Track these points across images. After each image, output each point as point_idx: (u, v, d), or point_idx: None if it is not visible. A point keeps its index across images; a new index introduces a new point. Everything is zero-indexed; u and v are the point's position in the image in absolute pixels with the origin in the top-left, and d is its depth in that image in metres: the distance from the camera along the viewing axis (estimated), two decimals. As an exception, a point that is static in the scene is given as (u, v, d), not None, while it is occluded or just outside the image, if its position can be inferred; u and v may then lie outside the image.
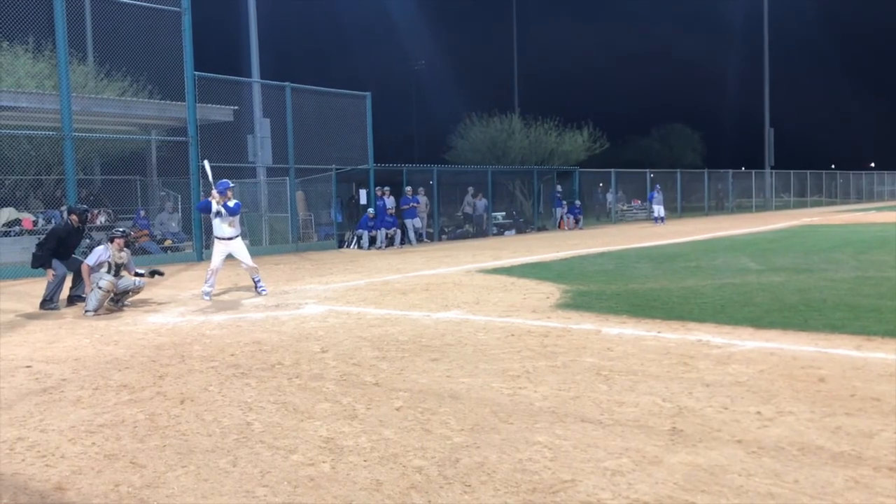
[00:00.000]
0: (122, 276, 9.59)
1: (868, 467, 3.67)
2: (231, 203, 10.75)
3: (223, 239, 10.76)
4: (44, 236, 10.66)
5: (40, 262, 10.02)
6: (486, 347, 6.72)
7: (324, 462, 3.94)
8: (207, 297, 10.52)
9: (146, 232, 17.91)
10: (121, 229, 10.01)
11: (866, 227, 23.83)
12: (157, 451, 4.18)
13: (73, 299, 10.23)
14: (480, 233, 25.99)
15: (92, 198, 18.86)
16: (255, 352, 6.81)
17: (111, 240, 9.65)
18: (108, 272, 9.44)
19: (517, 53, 51.42)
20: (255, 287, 10.92)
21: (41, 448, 4.30)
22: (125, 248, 9.75)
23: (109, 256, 9.49)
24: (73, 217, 10.43)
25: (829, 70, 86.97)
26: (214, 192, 10.77)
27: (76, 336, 7.93)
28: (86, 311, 9.35)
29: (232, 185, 11.07)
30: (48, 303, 10.05)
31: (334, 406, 4.98)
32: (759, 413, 4.56)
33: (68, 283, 10.31)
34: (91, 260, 9.48)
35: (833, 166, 58.30)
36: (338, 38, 64.55)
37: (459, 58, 61.55)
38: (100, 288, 9.35)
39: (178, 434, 4.48)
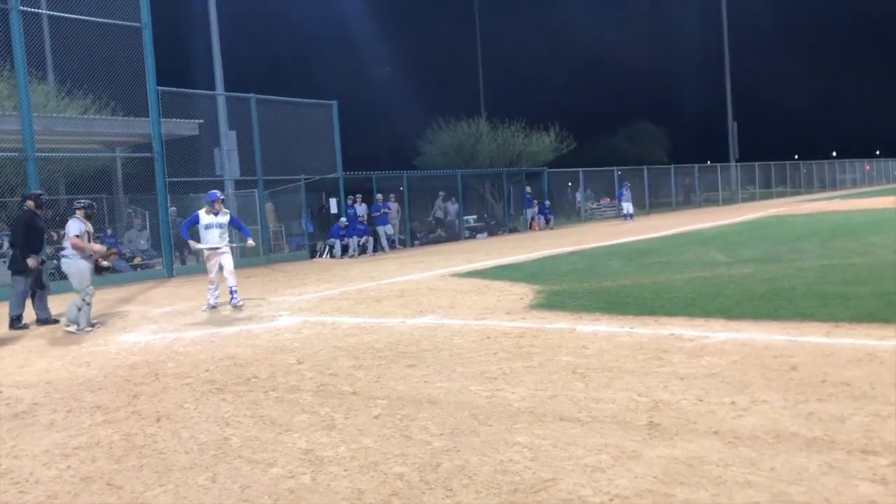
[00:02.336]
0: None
1: (841, 451, 3.74)
2: (223, 214, 11.01)
3: (215, 249, 10.87)
4: (9, 233, 10.69)
5: (16, 261, 9.96)
6: (463, 351, 6.74)
7: (304, 474, 3.93)
8: (207, 309, 10.79)
9: (115, 251, 17.67)
10: (82, 201, 9.92)
11: (831, 215, 24.24)
12: (134, 472, 4.13)
13: (41, 322, 10.08)
14: (453, 237, 26.03)
15: (58, 218, 18.58)
16: (230, 366, 6.76)
17: (75, 211, 9.69)
18: (89, 241, 9.59)
19: (481, 57, 51.64)
20: (231, 297, 10.86)
21: (14, 474, 4.23)
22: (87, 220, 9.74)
23: (85, 226, 9.52)
24: (30, 202, 10.38)
25: (789, 63, 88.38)
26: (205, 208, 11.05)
27: (47, 358, 7.80)
28: (81, 329, 9.31)
29: (221, 195, 11.20)
30: (16, 321, 9.91)
31: (312, 417, 4.96)
32: (733, 403, 4.62)
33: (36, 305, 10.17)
34: (74, 232, 9.39)
35: (796, 157, 59.24)
36: (301, 48, 64.22)
37: (424, 64, 61.73)
38: (88, 304, 9.38)
39: (155, 453, 4.43)
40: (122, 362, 7.30)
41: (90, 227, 9.72)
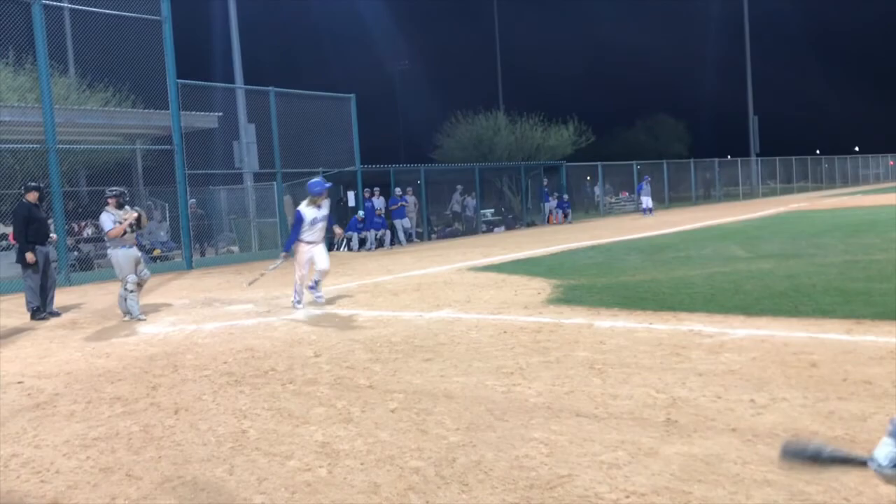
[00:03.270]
0: (140, 271, 9.75)
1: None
2: (325, 205, 10.04)
3: (311, 243, 9.87)
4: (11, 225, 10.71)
5: (21, 251, 10.08)
6: (479, 345, 6.73)
7: (320, 467, 3.94)
8: (321, 299, 10.12)
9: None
10: (114, 189, 9.89)
11: (853, 210, 23.97)
12: (152, 463, 4.16)
13: (49, 315, 10.18)
14: (470, 231, 26.00)
15: (80, 209, 18.77)
16: (248, 359, 6.79)
17: (107, 201, 9.66)
18: (132, 231, 9.62)
19: (500, 50, 51.48)
20: (315, 289, 10.16)
21: (36, 464, 4.27)
22: (124, 208, 9.73)
23: (116, 216, 9.54)
24: (31, 195, 10.27)
25: (810, 59, 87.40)
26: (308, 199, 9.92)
27: (67, 350, 7.88)
28: (134, 317, 9.49)
29: (329, 184, 10.30)
30: (38, 312, 10.02)
31: (329, 410, 4.98)
32: (752, 401, 4.58)
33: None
34: (107, 227, 9.49)
35: (818, 151, 58.62)
36: (320, 41, 64.35)
37: (442, 57, 61.65)
38: (130, 292, 9.53)
39: (173, 444, 4.47)
40: (142, 354, 7.36)
41: (127, 215, 9.62)
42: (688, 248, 14.59)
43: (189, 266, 16.93)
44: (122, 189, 10.04)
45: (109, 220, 9.49)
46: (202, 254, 19.11)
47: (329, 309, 9.63)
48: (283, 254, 10.51)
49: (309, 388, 5.62)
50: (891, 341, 5.84)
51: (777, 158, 48.73)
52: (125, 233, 9.44)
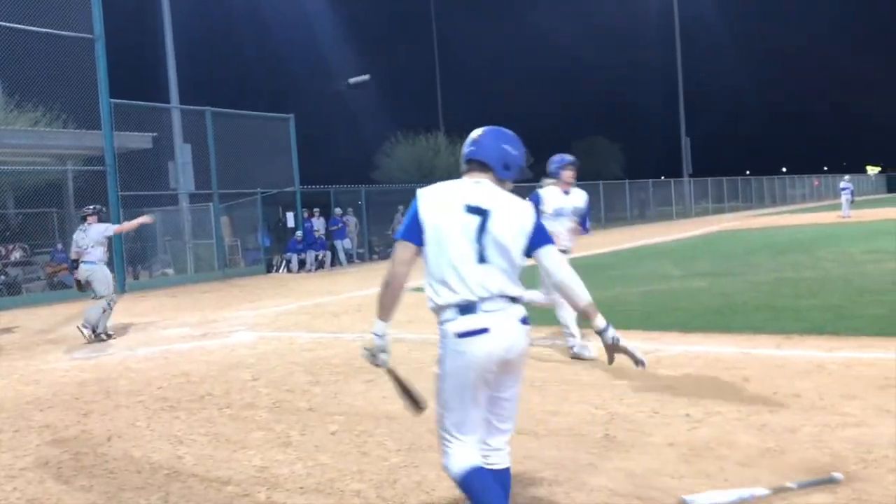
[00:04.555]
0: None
1: (793, 462, 3.80)
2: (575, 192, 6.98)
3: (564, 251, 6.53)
4: None
5: None
6: (422, 366, 6.69)
7: (259, 492, 3.87)
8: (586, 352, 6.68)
9: (65, 266, 17.27)
10: (89, 208, 9.71)
11: (782, 229, 24.80)
12: (83, 493, 4.03)
13: None
14: (411, 251, 25.95)
15: (7, 233, 18.12)
16: (184, 383, 6.64)
17: (84, 218, 9.53)
18: (109, 245, 9.74)
19: (440, 72, 51.84)
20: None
21: (-43, 497, 4.09)
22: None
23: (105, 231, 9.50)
24: None
25: (739, 81, 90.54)
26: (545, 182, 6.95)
27: (-8, 377, 7.58)
28: (99, 333, 9.30)
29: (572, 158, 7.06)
30: None
31: (268, 434, 4.90)
32: (688, 415, 4.69)
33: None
34: (111, 230, 9.65)
35: (748, 172, 60.57)
36: (259, 61, 63.72)
37: (383, 77, 61.56)
38: (110, 310, 9.40)
39: (105, 473, 4.33)
40: (73, 380, 7.12)
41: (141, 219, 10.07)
42: (624, 267, 14.86)
43: (122, 290, 16.48)
44: (98, 206, 9.87)
45: (103, 226, 9.45)
46: (136, 277, 18.62)
47: (268, 331, 9.49)
48: None
49: (247, 412, 5.52)
50: (818, 355, 6.05)
51: (709, 179, 50.13)
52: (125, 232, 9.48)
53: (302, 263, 20.49)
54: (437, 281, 2.82)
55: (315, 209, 22.04)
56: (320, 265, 20.87)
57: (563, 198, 6.80)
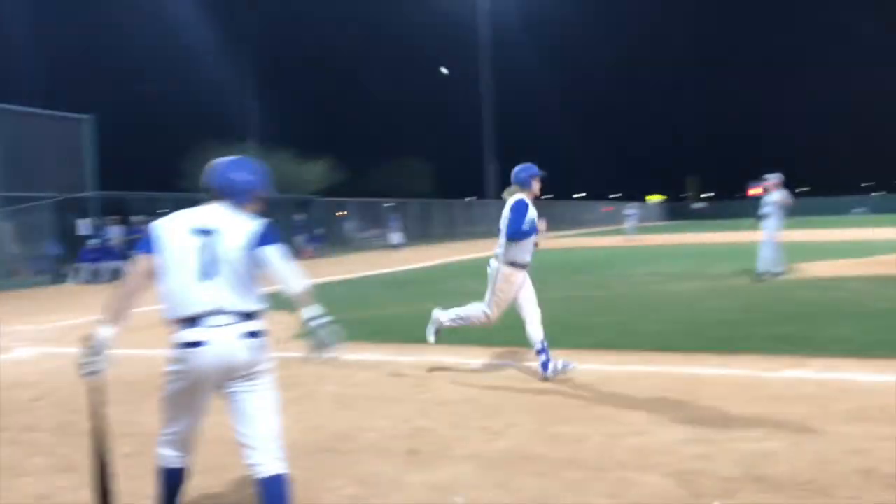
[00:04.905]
0: None
1: (581, 470, 4.09)
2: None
3: (524, 267, 6.65)
4: None
5: None
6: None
7: (39, 522, 3.57)
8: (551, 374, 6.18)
9: None
10: None
11: (575, 251, 26.48)
12: None
13: None
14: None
15: None
16: (-48, 405, 5.98)
17: None
18: None
19: (258, 81, 50.61)
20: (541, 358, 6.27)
21: None
22: None
23: None
24: None
25: (548, 105, 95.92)
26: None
27: None
28: None
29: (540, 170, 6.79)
30: None
31: (49, 459, 4.54)
32: (486, 428, 4.89)
33: None
34: None
35: (553, 196, 64.26)
36: (61, 59, 58.51)
37: (195, 84, 58.87)
38: None
39: None
40: None
41: None
42: (432, 283, 15.24)
43: None
44: None
45: None
46: None
47: (53, 348, 8.77)
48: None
49: (27, 435, 5.08)
50: (605, 368, 6.54)
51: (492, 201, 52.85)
52: None
53: (96, 274, 19.13)
54: (169, 297, 3.09)
55: (113, 217, 20.69)
56: (114, 275, 19.57)
57: (533, 209, 6.61)
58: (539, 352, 6.18)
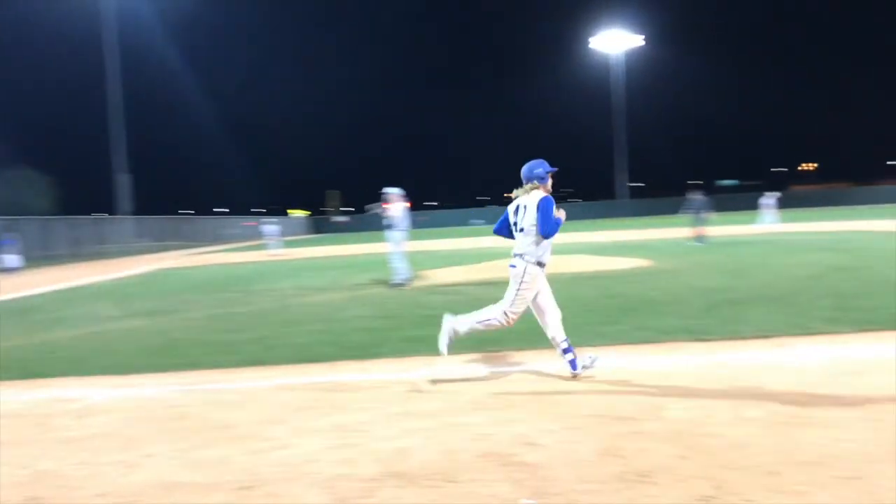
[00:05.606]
0: None
1: (227, 492, 4.01)
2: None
3: (543, 266, 6.20)
4: None
5: None
6: None
7: None
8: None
9: None
10: None
11: (218, 267, 25.83)
12: None
13: None
14: None
15: None
16: None
17: None
18: None
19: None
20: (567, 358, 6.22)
21: None
22: None
23: None
24: None
25: (190, 117, 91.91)
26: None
27: None
28: None
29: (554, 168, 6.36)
30: None
31: None
32: (122, 461, 4.56)
33: None
34: None
35: (194, 212, 61.91)
36: None
37: None
38: None
39: None
40: None
41: None
42: (57, 310, 13.76)
43: None
44: None
45: None
46: None
47: None
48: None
49: None
50: (248, 386, 6.48)
51: (149, 217, 49.73)
52: None
53: None
54: None
55: None
56: None
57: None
58: (565, 351, 6.16)
